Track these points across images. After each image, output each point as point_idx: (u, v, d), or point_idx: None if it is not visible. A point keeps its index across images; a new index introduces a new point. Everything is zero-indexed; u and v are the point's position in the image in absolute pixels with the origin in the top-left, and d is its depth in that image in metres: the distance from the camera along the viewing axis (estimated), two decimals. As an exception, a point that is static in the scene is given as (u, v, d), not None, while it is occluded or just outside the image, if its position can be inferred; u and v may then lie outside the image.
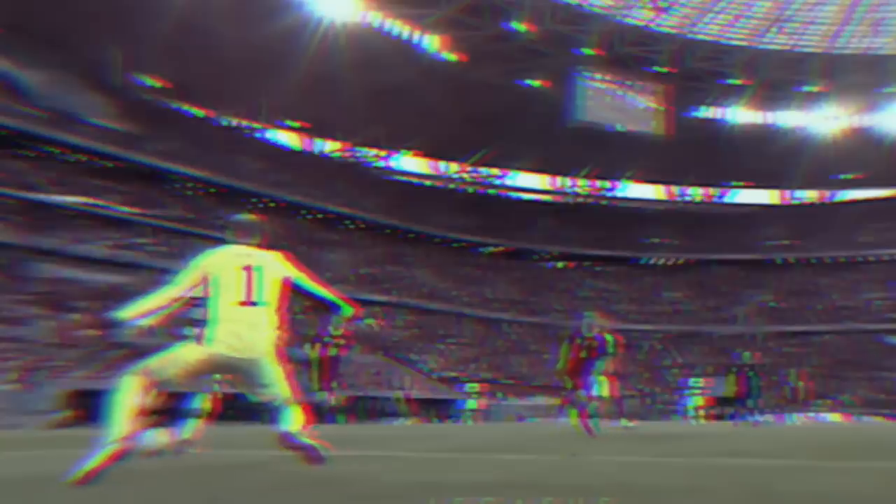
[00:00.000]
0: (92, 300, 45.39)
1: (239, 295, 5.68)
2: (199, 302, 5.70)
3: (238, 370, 5.73)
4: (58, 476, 5.18)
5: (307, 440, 5.80)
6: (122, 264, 49.53)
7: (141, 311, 5.51)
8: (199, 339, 5.55)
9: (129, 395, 5.34)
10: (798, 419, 38.66)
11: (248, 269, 5.79)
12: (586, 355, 12.98)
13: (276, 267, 5.97)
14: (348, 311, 6.26)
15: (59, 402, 32.46)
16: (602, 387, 12.91)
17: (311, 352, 12.40)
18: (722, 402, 41.93)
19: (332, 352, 11.95)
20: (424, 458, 7.51)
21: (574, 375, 12.90)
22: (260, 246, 6.07)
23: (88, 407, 33.06)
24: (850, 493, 4.57)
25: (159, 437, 6.72)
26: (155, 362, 5.44)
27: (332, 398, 12.94)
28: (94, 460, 5.07)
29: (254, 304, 5.70)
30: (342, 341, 12.20)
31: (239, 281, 5.71)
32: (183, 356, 5.51)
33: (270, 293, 5.84)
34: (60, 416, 30.74)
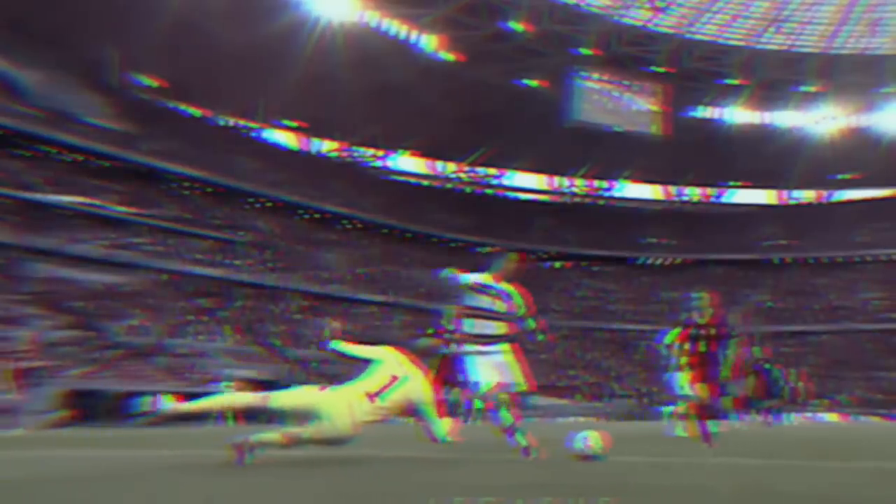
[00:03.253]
0: (88, 300, 45.40)
1: (372, 389, 6.62)
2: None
3: None
4: (55, 476, 5.16)
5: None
6: (118, 264, 49.46)
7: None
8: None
9: (226, 401, 6.85)
10: (795, 419, 38.60)
11: (394, 378, 6.71)
12: (705, 349, 10.58)
13: (410, 386, 6.80)
14: None
15: (56, 402, 32.40)
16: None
17: (430, 349, 11.56)
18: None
19: (453, 347, 11.12)
20: (424, 458, 7.45)
21: (697, 374, 10.62)
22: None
23: (85, 407, 33.07)
24: (848, 494, 4.57)
25: (595, 441, 6.90)
26: (284, 398, 6.51)
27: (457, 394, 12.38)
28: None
29: (373, 398, 6.59)
30: (458, 336, 11.33)
31: (382, 382, 6.67)
32: (309, 400, 6.51)
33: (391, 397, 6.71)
34: (57, 416, 30.68)
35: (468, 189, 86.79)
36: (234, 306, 53.67)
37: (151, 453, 9.23)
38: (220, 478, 5.58)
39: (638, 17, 69.67)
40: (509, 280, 8.00)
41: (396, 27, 66.70)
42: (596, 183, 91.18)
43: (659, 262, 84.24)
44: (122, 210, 53.26)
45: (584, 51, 72.86)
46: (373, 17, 64.74)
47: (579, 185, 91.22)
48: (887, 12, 66.74)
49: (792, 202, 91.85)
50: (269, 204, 64.88)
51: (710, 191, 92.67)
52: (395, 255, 69.77)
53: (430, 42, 69.33)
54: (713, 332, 10.43)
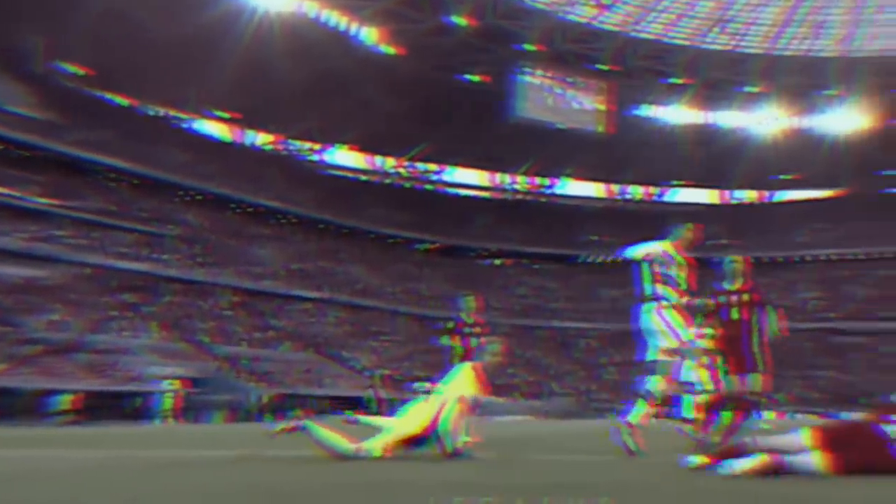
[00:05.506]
0: (6, 294, 43.76)
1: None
2: None
3: None
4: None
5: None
6: (38, 257, 47.89)
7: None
8: None
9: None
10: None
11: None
12: (738, 316, 8.86)
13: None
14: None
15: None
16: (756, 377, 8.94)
17: (452, 344, 10.67)
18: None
19: (474, 343, 10.45)
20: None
21: (732, 351, 8.85)
22: None
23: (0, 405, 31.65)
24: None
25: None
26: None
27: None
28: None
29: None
30: (478, 329, 10.66)
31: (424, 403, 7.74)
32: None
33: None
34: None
35: (407, 184, 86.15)
36: (161, 302, 52.23)
37: (72, 453, 9.36)
38: (148, 478, 5.65)
39: (583, 14, 69.58)
40: (687, 250, 8.21)
41: (336, 18, 65.70)
42: (538, 180, 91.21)
43: (600, 260, 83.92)
44: (43, 202, 51.71)
45: (528, 47, 72.60)
46: (311, 8, 63.77)
47: (521, 181, 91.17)
48: (830, 15, 67.37)
49: (734, 202, 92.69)
50: (199, 197, 63.39)
51: (652, 189, 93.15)
52: (331, 250, 68.86)
53: (370, 34, 68.48)
54: (746, 297, 8.91)
